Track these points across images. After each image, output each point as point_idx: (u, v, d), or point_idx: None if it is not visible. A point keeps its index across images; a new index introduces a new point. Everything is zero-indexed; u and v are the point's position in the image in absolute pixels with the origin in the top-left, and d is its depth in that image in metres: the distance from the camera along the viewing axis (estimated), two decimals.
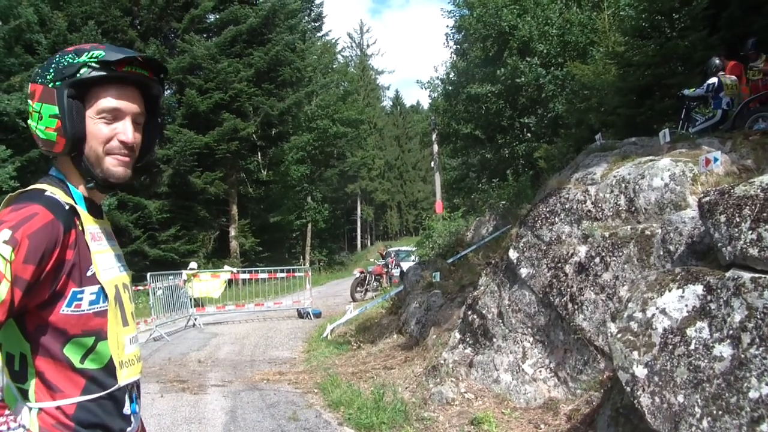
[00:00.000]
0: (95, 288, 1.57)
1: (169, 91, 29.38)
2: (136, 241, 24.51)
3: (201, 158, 26.93)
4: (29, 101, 1.63)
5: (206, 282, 15.85)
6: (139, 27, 28.18)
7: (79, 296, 1.53)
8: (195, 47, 26.90)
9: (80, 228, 1.57)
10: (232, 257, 28.00)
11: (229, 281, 16.80)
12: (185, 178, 26.61)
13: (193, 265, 17.70)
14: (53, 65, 1.59)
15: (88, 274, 1.56)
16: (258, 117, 28.02)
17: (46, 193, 1.54)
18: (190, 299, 15.11)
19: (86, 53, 1.58)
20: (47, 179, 1.63)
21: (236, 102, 27.32)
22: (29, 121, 1.64)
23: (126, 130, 1.64)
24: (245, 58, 27.91)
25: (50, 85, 1.57)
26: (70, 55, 1.59)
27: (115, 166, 1.65)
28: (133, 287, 1.78)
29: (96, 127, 1.61)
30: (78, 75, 1.57)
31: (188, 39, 27.36)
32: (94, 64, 1.57)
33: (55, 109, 1.56)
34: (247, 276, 17.40)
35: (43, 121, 1.58)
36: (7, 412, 1.36)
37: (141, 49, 24.71)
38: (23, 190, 1.57)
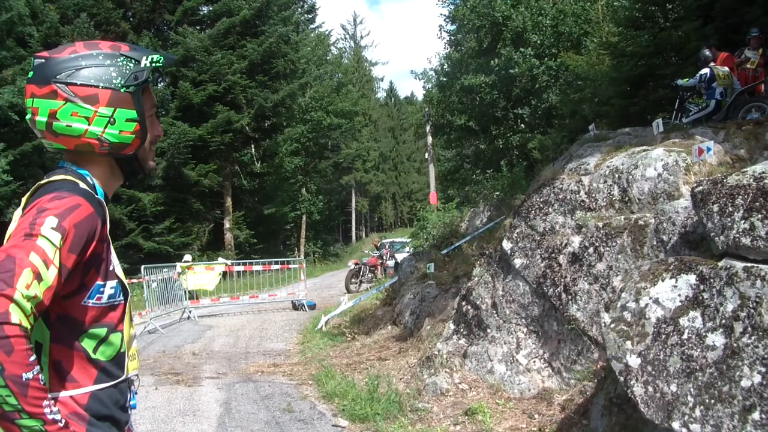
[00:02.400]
0: (114, 282, 1.62)
1: (162, 84, 29.22)
2: (131, 234, 24.39)
3: (195, 150, 26.79)
4: (83, 104, 1.60)
5: (201, 274, 15.83)
6: (131, 19, 27.93)
7: (101, 289, 1.57)
8: (188, 39, 26.72)
9: (107, 223, 1.61)
10: (227, 249, 27.92)
11: (224, 273, 16.78)
12: (179, 170, 26.48)
13: (187, 257, 17.66)
14: (114, 68, 1.62)
15: (111, 268, 1.61)
16: (252, 109, 27.91)
17: (81, 186, 1.56)
18: (185, 292, 15.09)
19: (146, 57, 1.67)
20: (68, 173, 1.62)
21: (230, 94, 27.19)
22: (79, 125, 1.60)
23: (159, 125, 1.80)
24: (239, 50, 27.74)
25: (122, 90, 1.62)
26: (122, 59, 1.65)
27: (152, 159, 1.80)
28: (128, 280, 1.80)
29: (150, 125, 1.73)
30: (148, 79, 1.67)
31: (181, 31, 27.19)
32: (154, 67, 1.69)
33: (134, 113, 1.65)
34: (241, 268, 17.39)
35: (118, 125, 1.63)
36: (48, 395, 1.37)
37: (134, 42, 24.57)
38: (51, 180, 1.57)
